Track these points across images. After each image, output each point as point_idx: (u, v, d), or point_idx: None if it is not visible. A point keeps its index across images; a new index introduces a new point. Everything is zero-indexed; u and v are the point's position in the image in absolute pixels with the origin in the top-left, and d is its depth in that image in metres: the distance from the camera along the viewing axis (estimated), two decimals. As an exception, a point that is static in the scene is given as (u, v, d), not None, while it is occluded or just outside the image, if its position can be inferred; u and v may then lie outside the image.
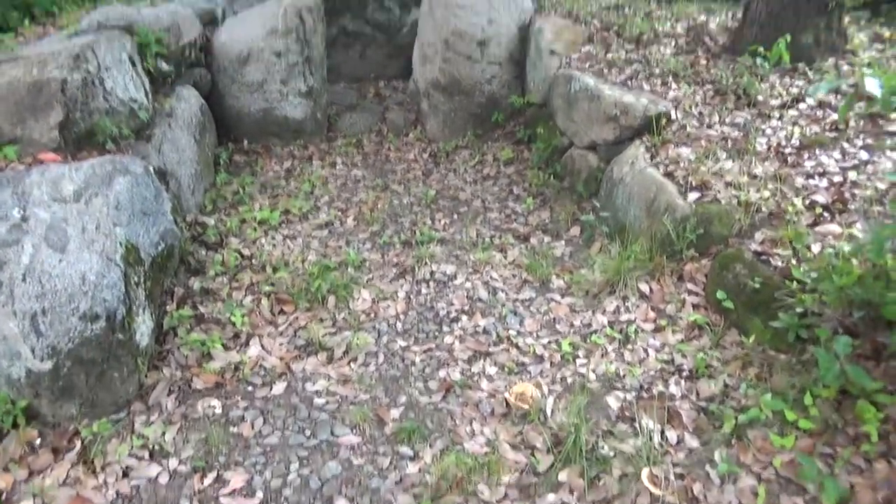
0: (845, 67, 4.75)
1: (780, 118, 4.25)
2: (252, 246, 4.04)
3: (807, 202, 3.43)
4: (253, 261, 3.89)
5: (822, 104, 4.35)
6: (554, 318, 3.47)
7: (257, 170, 5.16)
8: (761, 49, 4.61)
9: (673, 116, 4.38)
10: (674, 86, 4.76)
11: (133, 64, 4.12)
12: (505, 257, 4.03)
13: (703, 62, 5.19)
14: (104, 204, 2.90)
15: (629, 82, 4.78)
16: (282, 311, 3.47)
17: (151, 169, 3.57)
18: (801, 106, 4.39)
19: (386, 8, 6.92)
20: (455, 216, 4.62)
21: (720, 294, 3.25)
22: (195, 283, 3.55)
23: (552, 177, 5.04)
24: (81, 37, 3.98)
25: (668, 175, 3.92)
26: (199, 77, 5.16)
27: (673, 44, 5.64)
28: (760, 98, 4.49)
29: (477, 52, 5.63)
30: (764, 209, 3.45)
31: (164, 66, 4.51)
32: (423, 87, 5.89)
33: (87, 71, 3.46)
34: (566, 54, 5.45)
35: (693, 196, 3.68)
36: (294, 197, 4.72)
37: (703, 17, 6.21)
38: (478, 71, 5.67)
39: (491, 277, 3.82)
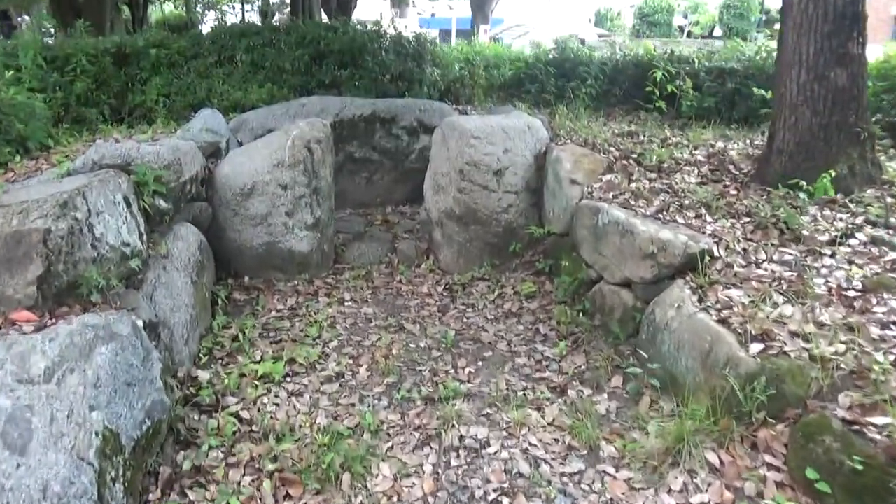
0: (889, 199, 4.45)
1: (833, 255, 3.89)
2: (252, 407, 3.53)
3: (891, 358, 2.99)
4: (253, 427, 3.37)
5: (875, 240, 4.01)
6: (611, 500, 2.92)
7: (258, 309, 4.72)
8: (801, 182, 4.33)
9: (716, 253, 4.01)
10: (709, 218, 4.44)
11: (128, 204, 3.76)
12: (542, 416, 3.53)
13: (734, 192, 4.91)
14: (81, 383, 2.42)
15: (661, 215, 4.46)
16: (287, 496, 2.92)
17: (141, 324, 3.12)
18: (853, 242, 4.04)
19: (394, 135, 6.75)
20: (479, 363, 4.14)
21: (810, 473, 2.74)
22: (185, 461, 3.01)
23: (581, 314, 4.62)
24: (74, 178, 3.65)
25: (723, 322, 3.50)
26: (199, 211, 4.81)
27: (696, 172, 5.40)
28: (806, 233, 4.15)
29: (493, 182, 5.35)
30: (843, 366, 3.00)
31: (163, 204, 4.16)
32: (436, 217, 5.57)
33: (74, 218, 3.07)
34: (587, 183, 5.18)
35: (756, 347, 3.24)
36: (300, 343, 4.25)
37: (720, 144, 6.02)
38: (494, 200, 5.38)
39: (530, 444, 3.30)
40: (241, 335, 4.26)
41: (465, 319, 4.76)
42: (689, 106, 7.22)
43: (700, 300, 3.76)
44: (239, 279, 5.10)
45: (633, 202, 4.73)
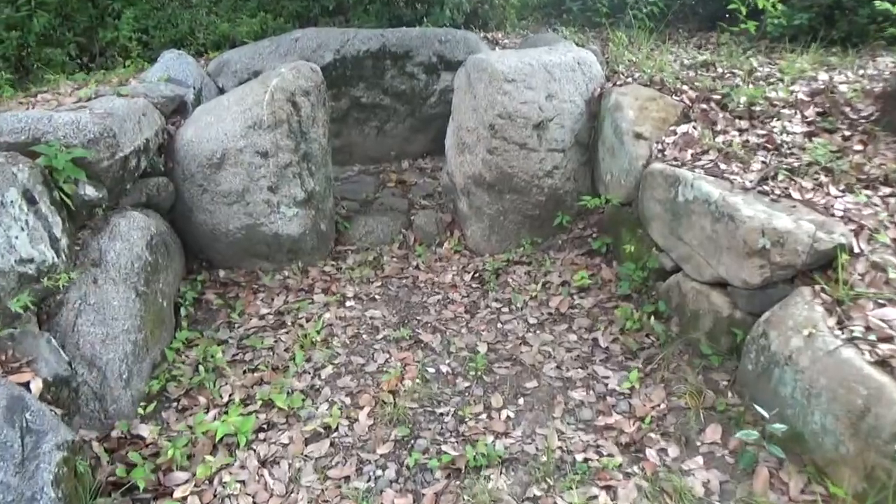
0: None
1: None
2: (208, 489, 2.50)
3: None
4: (204, 528, 2.35)
5: None
6: None
7: (234, 317, 3.67)
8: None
9: (855, 248, 2.81)
10: (834, 190, 3.20)
11: (32, 202, 2.67)
12: (614, 500, 2.44)
13: (859, 147, 3.62)
14: None
15: (766, 185, 3.22)
16: None
17: (35, 390, 2.07)
18: None
19: (408, 74, 5.48)
20: (521, 399, 3.07)
21: None
22: None
23: (653, 317, 3.48)
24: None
25: (884, 365, 2.34)
26: (155, 189, 3.71)
27: (799, 117, 4.08)
28: None
29: (533, 139, 4.12)
30: None
31: (91, 192, 3.07)
32: (462, 183, 4.38)
33: None
34: (657, 138, 3.93)
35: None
36: (282, 371, 3.21)
37: (824, 77, 4.63)
38: (535, 162, 4.16)
39: (600, 557, 2.23)
40: (204, 362, 3.21)
41: (499, 325, 3.65)
42: (775, 24, 5.76)
43: (841, 324, 2.60)
44: (213, 272, 4.05)
45: (722, 165, 3.50)
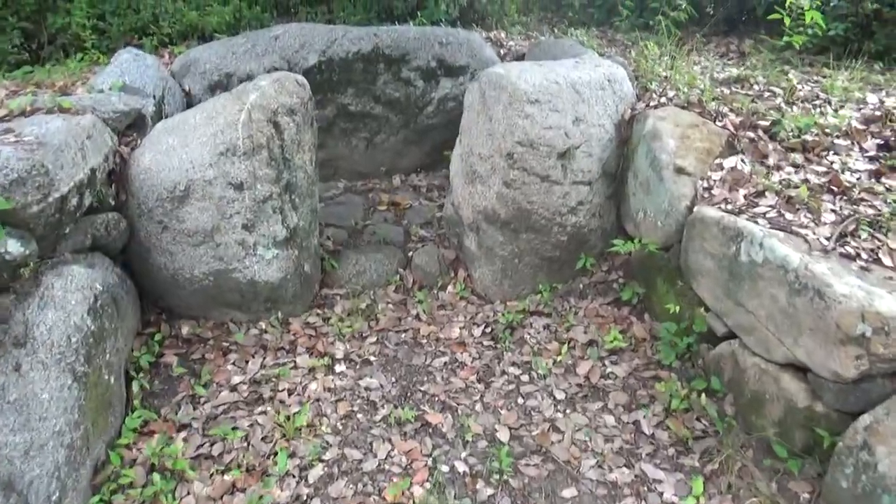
0: None
1: None
2: None
3: None
4: None
5: None
6: None
7: (199, 389, 3.00)
8: None
9: (978, 342, 2.25)
10: (931, 259, 2.64)
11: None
12: None
13: (943, 195, 3.07)
14: None
15: (847, 246, 2.65)
16: None
17: None
18: None
19: (403, 80, 4.80)
20: (558, 516, 2.45)
21: None
22: None
23: (703, 394, 2.89)
24: None
25: None
26: (103, 229, 3.02)
27: (857, 150, 3.54)
28: None
29: (557, 170, 3.50)
30: None
31: (14, 248, 2.38)
32: (470, 218, 3.74)
33: None
34: (701, 173, 3.36)
35: None
36: (260, 476, 2.54)
37: (873, 99, 4.08)
38: (557, 197, 3.54)
39: None
40: (160, 461, 2.53)
41: (520, 400, 3.05)
42: (809, 34, 5.19)
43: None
44: (174, 325, 3.36)
45: (788, 215, 2.94)
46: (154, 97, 3.72)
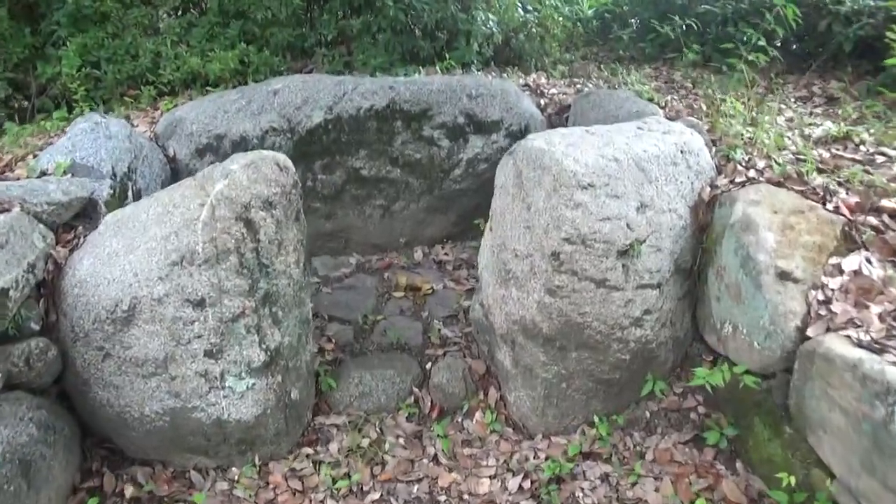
0: None
1: None
2: None
3: None
4: None
5: None
6: None
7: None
8: None
9: None
10: None
11: None
12: None
13: None
14: None
15: None
16: None
17: None
18: None
19: (426, 139, 4.04)
20: None
21: None
22: None
23: None
24: None
25: None
26: (22, 361, 2.32)
27: None
28: None
29: (616, 272, 2.65)
30: None
31: None
32: (504, 328, 2.91)
33: None
34: (813, 279, 2.50)
35: None
36: None
37: None
38: (617, 306, 2.69)
39: None
40: None
41: None
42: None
43: None
44: (122, 475, 2.58)
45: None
46: (115, 176, 3.01)
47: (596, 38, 6.49)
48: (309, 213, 3.97)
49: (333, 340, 3.37)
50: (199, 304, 2.43)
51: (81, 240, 2.64)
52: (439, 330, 3.51)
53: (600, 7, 6.64)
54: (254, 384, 2.62)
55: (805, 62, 5.07)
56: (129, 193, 3.21)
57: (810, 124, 3.84)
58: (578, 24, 6.14)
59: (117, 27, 4.98)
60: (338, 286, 3.96)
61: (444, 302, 3.81)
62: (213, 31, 5.04)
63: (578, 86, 4.74)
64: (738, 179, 3.01)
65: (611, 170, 2.66)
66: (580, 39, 6.25)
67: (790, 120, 4.01)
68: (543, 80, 4.87)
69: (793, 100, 4.67)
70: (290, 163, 2.66)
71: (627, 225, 2.69)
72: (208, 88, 4.69)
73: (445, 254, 4.35)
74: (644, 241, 2.74)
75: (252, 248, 2.50)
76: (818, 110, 4.45)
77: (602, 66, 5.74)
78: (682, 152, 2.90)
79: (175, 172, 3.87)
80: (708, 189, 2.98)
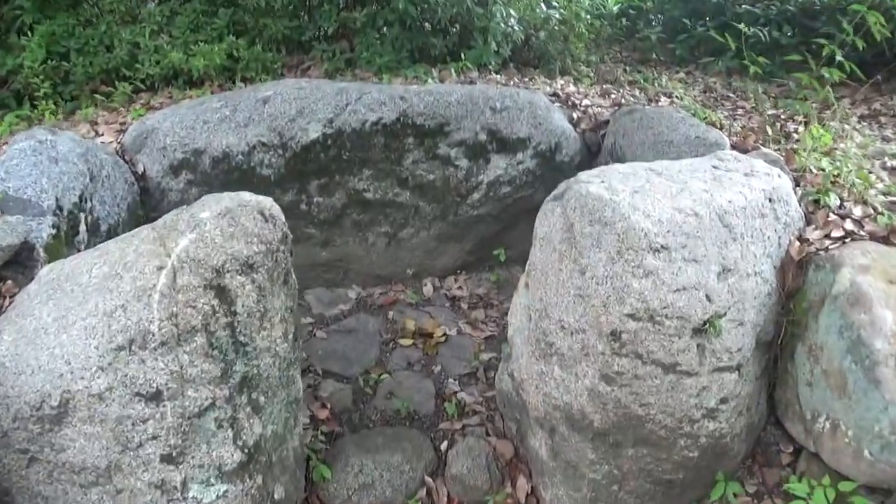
0: None
1: None
2: None
3: None
4: None
5: None
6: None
7: None
8: None
9: None
10: None
11: None
12: None
13: None
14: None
15: None
16: None
17: None
18: None
19: (440, 158, 3.46)
20: None
21: None
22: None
23: None
24: None
25: None
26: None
27: None
28: None
29: (689, 353, 2.07)
30: None
31: None
32: (541, 410, 2.34)
33: None
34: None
35: None
36: None
37: None
38: (688, 395, 2.12)
39: None
40: None
41: None
42: None
43: None
44: None
45: None
46: (60, 210, 2.39)
47: (621, 36, 5.88)
48: (303, 239, 3.44)
49: (328, 406, 2.78)
50: (154, 397, 1.84)
51: (7, 301, 2.03)
52: (455, 393, 2.92)
53: (625, 3, 6.03)
54: (225, 491, 2.03)
55: (871, 67, 4.44)
56: (82, 227, 2.60)
57: (892, 155, 3.25)
58: (603, 21, 5.52)
59: (91, 14, 4.35)
60: (334, 328, 3.38)
61: (459, 353, 3.24)
62: (198, 21, 4.43)
63: (613, 96, 4.13)
64: (834, 234, 2.41)
65: (689, 227, 2.07)
66: (604, 39, 5.64)
67: (862, 146, 3.41)
68: (572, 88, 4.26)
69: (855, 119, 4.07)
70: (277, 210, 2.06)
71: (706, 296, 2.11)
72: (190, 88, 4.09)
73: (459, 287, 3.77)
74: (724, 314, 2.16)
75: (226, 324, 1.90)
76: (889, 133, 3.86)
77: (628, 68, 5.14)
78: (769, 200, 2.32)
79: (144, 192, 3.30)
80: (797, 244, 2.39)
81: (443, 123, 3.43)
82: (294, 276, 2.17)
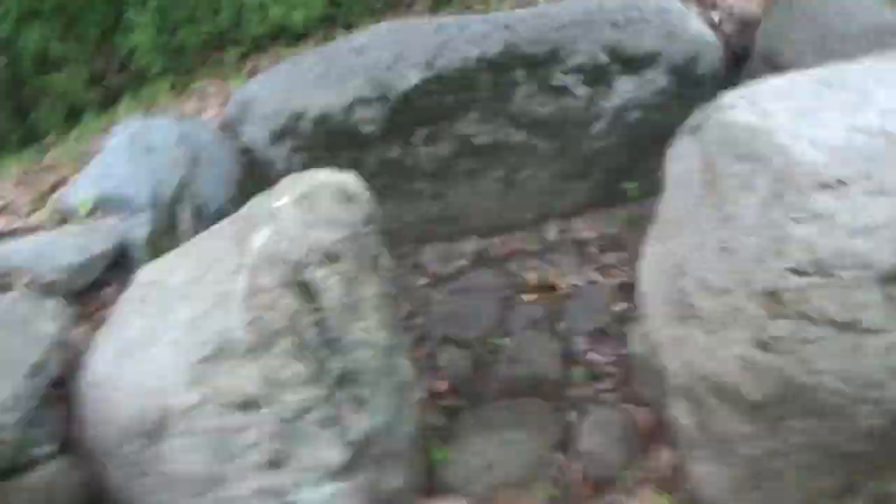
0: None
1: None
2: None
3: None
4: None
5: None
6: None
7: None
8: None
9: None
10: None
11: None
12: None
13: None
14: None
15: None
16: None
17: None
18: None
19: (555, 89, 3.11)
20: None
21: None
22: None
23: None
24: None
25: None
26: (42, 495, 1.68)
27: None
28: None
29: (874, 309, 1.65)
30: None
31: None
32: (681, 378, 2.03)
33: None
34: None
35: None
36: None
37: None
38: (871, 356, 1.69)
39: None
40: None
41: None
42: None
43: None
44: None
45: None
46: (156, 205, 2.31)
47: None
48: (411, 195, 3.22)
49: (447, 377, 2.61)
50: (248, 405, 1.75)
51: (109, 309, 1.99)
52: (584, 353, 2.64)
53: None
54: (335, 490, 1.92)
55: None
56: (185, 216, 2.53)
57: None
58: None
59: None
60: (452, 287, 3.18)
61: (588, 305, 2.94)
62: (302, -35, 4.20)
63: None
64: None
65: (874, 150, 1.61)
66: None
67: None
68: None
69: None
70: (360, 186, 1.83)
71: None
72: (296, 44, 3.97)
73: (587, 230, 3.44)
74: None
75: (312, 322, 1.74)
76: None
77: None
78: None
79: (252, 165, 3.20)
80: None
81: (555, 49, 3.05)
82: (387, 255, 1.95)
